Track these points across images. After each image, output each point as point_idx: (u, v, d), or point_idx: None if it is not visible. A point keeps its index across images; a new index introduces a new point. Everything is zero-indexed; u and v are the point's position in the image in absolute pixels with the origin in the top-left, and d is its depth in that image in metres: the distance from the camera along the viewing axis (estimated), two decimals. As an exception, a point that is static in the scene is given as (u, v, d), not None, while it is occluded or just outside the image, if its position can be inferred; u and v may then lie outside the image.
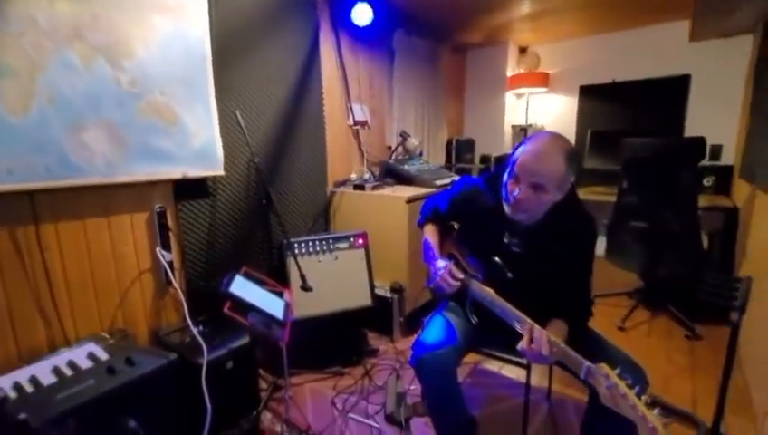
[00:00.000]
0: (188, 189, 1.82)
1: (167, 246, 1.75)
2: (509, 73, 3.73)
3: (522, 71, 3.79)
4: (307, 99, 2.36)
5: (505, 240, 1.22)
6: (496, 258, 1.22)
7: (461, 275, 1.23)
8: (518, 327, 1.07)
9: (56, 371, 0.95)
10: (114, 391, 0.88)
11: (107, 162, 1.50)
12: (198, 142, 1.75)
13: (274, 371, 1.88)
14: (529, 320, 1.04)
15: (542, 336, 0.98)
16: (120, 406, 0.88)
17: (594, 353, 1.07)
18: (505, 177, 1.15)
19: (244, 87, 2.00)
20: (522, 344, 1.00)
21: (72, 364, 0.97)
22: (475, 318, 1.27)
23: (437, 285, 1.26)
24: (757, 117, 2.29)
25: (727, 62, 2.96)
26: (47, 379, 0.92)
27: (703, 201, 2.63)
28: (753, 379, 1.69)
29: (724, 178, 2.93)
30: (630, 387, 0.86)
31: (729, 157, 3.01)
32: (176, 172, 1.70)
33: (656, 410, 0.82)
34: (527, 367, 1.38)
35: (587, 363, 0.93)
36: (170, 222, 1.77)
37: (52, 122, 1.35)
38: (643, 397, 0.84)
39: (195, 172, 1.76)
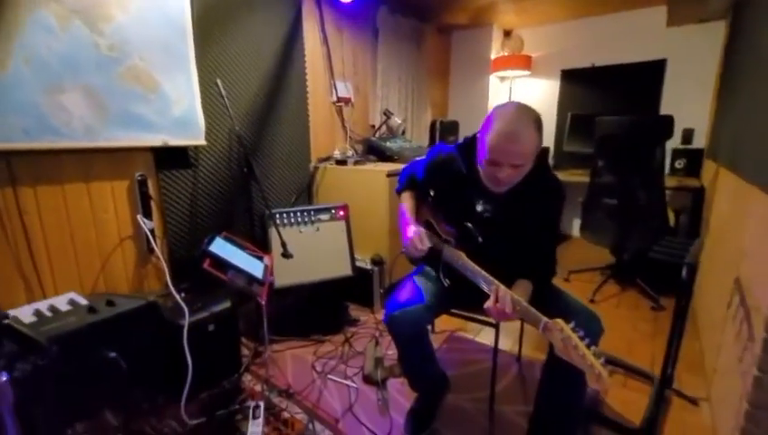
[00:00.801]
0: (170, 158, 1.83)
1: (148, 215, 1.77)
2: (493, 56, 3.76)
3: (506, 54, 3.84)
4: (290, 73, 2.37)
5: (478, 208, 1.28)
6: (468, 224, 1.27)
7: (428, 243, 1.27)
8: (485, 288, 1.13)
9: (37, 313, 0.98)
10: (94, 325, 0.92)
11: (86, 126, 1.50)
12: (179, 111, 1.76)
13: (256, 339, 1.93)
14: (495, 281, 1.10)
15: (506, 296, 1.04)
16: (101, 339, 0.92)
17: (555, 307, 1.15)
18: (479, 157, 1.15)
19: (225, 58, 2.00)
20: (488, 304, 1.06)
21: (52, 308, 1.00)
22: (448, 281, 1.33)
23: (407, 249, 1.31)
24: (723, 99, 2.39)
25: (702, 48, 3.04)
26: (28, 319, 0.95)
27: (674, 182, 2.75)
28: (707, 342, 1.81)
29: (695, 160, 3.04)
30: (582, 339, 0.93)
31: (701, 141, 3.12)
32: (156, 140, 1.71)
33: (601, 359, 0.89)
34: (496, 327, 1.46)
35: (544, 320, 0.99)
36: (152, 191, 1.79)
37: (29, 83, 1.35)
38: (593, 348, 0.91)
39: (176, 141, 1.78)
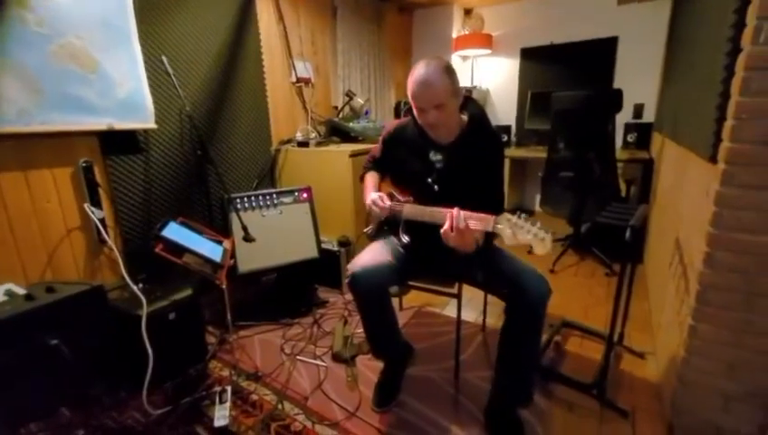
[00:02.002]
0: (117, 143, 1.74)
1: (96, 203, 1.68)
2: (454, 35, 3.76)
3: (467, 32, 3.84)
4: (244, 52, 2.27)
5: (432, 158, 1.34)
6: (429, 179, 1.33)
7: (389, 202, 1.37)
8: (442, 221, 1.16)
9: (-31, 306, 0.91)
10: (32, 312, 0.87)
11: (18, 110, 1.39)
12: (124, 92, 1.66)
13: (223, 326, 1.90)
14: (449, 210, 1.13)
15: (459, 214, 1.09)
16: (41, 326, 0.87)
17: (507, 266, 1.23)
18: (414, 110, 1.28)
19: (172, 35, 1.90)
20: (445, 227, 1.11)
21: (-13, 300, 0.94)
22: (407, 237, 1.38)
23: (371, 210, 1.41)
24: (667, 74, 2.51)
25: (650, 26, 3.16)
26: (-41, 313, 0.88)
27: (626, 155, 2.88)
28: (654, 302, 1.94)
29: (645, 134, 3.19)
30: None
31: (651, 115, 3.27)
32: (100, 124, 1.62)
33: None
34: (458, 297, 1.50)
35: (493, 217, 1.05)
36: (99, 178, 1.70)
37: (-55, 62, 1.23)
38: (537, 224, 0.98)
39: (122, 124, 1.68)
